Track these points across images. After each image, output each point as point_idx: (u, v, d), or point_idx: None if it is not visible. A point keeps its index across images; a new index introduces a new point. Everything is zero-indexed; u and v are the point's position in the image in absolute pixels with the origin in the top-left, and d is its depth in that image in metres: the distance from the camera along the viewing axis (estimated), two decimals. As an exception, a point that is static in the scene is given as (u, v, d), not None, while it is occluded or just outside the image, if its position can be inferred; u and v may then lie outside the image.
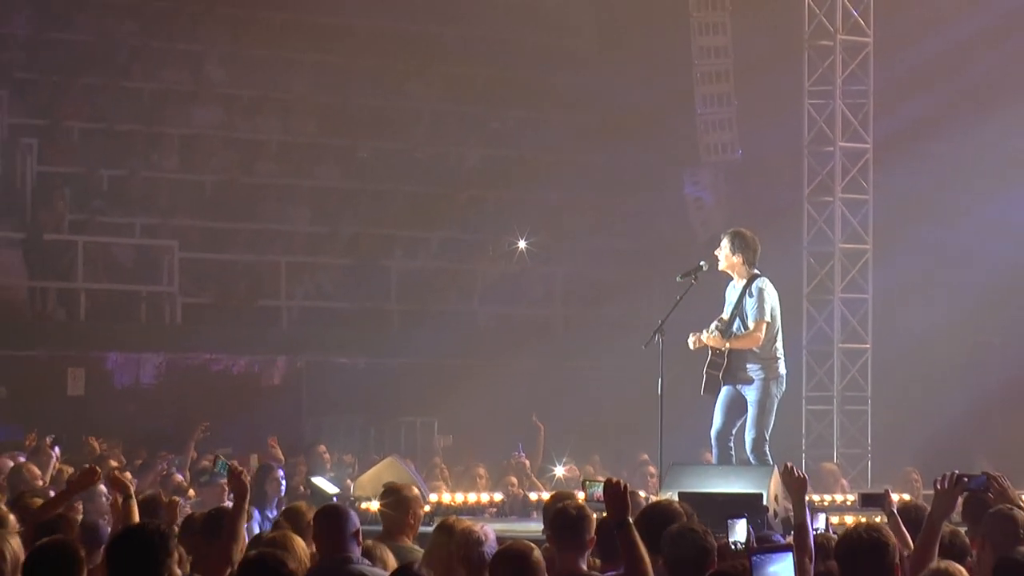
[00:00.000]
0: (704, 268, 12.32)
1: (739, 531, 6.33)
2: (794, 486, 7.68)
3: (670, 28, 22.45)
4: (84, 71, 22.84)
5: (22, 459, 13.33)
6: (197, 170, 22.89)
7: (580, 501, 7.57)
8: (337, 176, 23.59)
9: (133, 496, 7.94)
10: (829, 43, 20.31)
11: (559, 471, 17.31)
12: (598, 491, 6.79)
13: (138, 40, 23.69)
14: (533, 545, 6.46)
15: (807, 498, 7.40)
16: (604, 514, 6.96)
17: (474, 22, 25.21)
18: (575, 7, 25.87)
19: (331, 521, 7.07)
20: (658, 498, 9.93)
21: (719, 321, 12.25)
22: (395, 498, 8.10)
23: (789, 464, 7.90)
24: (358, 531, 7.03)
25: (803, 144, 20.53)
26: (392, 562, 7.17)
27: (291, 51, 24.04)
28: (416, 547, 7.74)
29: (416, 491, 8.34)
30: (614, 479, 6.74)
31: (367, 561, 6.97)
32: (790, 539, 6.97)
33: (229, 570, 6.92)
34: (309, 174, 23.41)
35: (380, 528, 8.29)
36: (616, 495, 6.58)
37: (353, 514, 7.16)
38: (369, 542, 7.41)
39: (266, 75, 23.93)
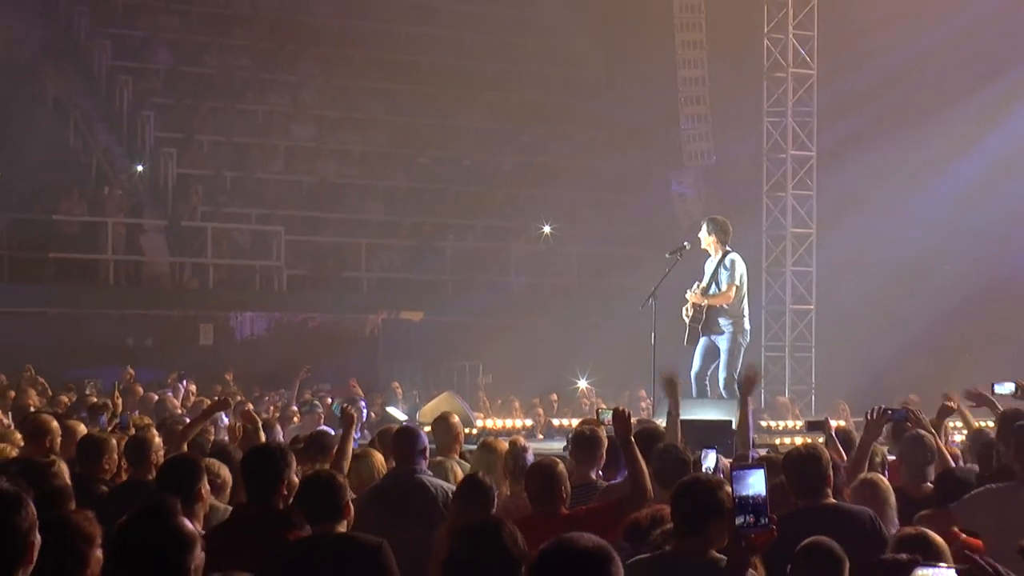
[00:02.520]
0: (687, 247, 12.26)
1: (710, 460, 6.30)
2: (747, 380, 7.64)
3: (660, 63, 22.38)
4: (210, 96, 22.95)
5: (169, 394, 13.47)
6: (297, 173, 22.96)
7: (596, 425, 7.59)
8: (404, 178, 23.61)
9: (260, 427, 7.94)
10: (782, 75, 20.27)
11: (582, 384, 17.78)
12: (608, 417, 6.79)
13: (250, 72, 23.79)
14: (558, 460, 6.48)
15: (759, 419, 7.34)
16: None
17: (508, 58, 25.19)
18: (586, 46, 25.81)
19: (404, 440, 7.00)
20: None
21: (697, 286, 12.24)
22: (444, 425, 8.02)
23: (752, 365, 7.79)
24: (425, 448, 6.95)
25: (763, 152, 20.49)
26: (459, 472, 7.13)
27: (369, 81, 24.07)
28: (461, 460, 7.66)
29: (458, 419, 8.19)
30: (619, 408, 6.73)
31: (430, 472, 6.92)
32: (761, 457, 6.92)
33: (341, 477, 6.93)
34: (382, 176, 23.44)
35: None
36: (621, 420, 6.56)
37: (423, 435, 7.08)
38: (440, 458, 7.35)
39: (349, 99, 23.98)
